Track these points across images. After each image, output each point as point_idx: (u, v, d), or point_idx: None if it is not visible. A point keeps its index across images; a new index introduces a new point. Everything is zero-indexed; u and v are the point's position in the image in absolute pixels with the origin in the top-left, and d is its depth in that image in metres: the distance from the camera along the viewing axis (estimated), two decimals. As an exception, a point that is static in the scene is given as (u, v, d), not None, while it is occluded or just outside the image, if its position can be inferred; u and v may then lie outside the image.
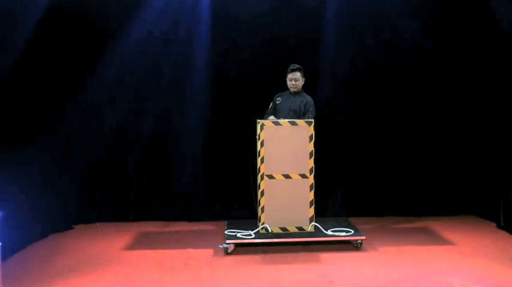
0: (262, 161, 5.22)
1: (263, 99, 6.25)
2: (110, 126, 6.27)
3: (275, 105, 5.72)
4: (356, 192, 5.85)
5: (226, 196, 6.37)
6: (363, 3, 6.22)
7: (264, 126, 5.20)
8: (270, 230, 5.21)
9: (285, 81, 5.69)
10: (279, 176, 5.22)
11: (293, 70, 5.64)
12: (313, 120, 5.34)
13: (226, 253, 5.05)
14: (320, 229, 5.25)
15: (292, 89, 5.67)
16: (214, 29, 6.25)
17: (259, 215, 5.31)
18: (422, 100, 6.45)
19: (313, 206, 5.25)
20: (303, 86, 5.67)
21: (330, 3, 6.24)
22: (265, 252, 5.11)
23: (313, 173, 5.24)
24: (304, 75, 5.65)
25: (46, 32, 5.57)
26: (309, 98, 5.66)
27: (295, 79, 5.63)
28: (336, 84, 6.37)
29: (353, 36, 6.33)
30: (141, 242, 5.51)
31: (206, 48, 6.27)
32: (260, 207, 5.25)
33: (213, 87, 6.33)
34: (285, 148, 5.21)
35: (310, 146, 5.23)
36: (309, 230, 5.24)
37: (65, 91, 5.97)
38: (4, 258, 4.27)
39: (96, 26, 6.05)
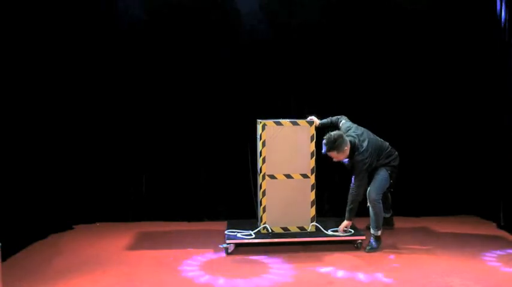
0: (263, 161, 5.22)
1: (263, 99, 6.30)
2: (112, 126, 6.27)
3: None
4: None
5: (226, 196, 6.36)
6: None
7: (266, 127, 5.20)
8: (270, 230, 5.21)
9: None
10: (280, 176, 5.23)
11: (326, 151, 5.07)
12: (314, 120, 5.33)
13: (227, 253, 5.05)
14: (320, 229, 5.25)
15: None
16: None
17: (260, 215, 5.31)
18: (422, 99, 6.44)
19: (315, 206, 5.26)
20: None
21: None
22: (265, 252, 5.10)
23: (314, 173, 5.24)
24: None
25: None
26: (355, 160, 5.11)
27: (335, 158, 5.15)
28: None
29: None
30: (141, 242, 5.51)
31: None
32: (261, 207, 5.25)
33: (212, 86, 6.34)
34: (287, 147, 5.21)
35: (312, 146, 5.24)
36: (309, 230, 5.24)
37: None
38: (4, 258, 4.27)
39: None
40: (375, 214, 5.16)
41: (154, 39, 6.22)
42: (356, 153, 5.10)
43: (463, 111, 6.48)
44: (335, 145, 5.01)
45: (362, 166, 5.08)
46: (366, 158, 5.09)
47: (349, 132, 5.20)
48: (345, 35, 6.34)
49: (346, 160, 5.22)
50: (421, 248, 5.24)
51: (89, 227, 6.12)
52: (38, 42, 5.58)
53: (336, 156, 5.10)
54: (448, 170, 6.52)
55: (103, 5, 6.12)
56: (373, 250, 5.15)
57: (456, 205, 6.55)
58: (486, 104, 6.27)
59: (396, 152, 5.35)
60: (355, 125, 5.30)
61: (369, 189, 5.20)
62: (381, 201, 5.20)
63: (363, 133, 5.22)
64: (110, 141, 6.28)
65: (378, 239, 5.22)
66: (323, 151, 5.10)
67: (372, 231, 5.21)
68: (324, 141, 5.05)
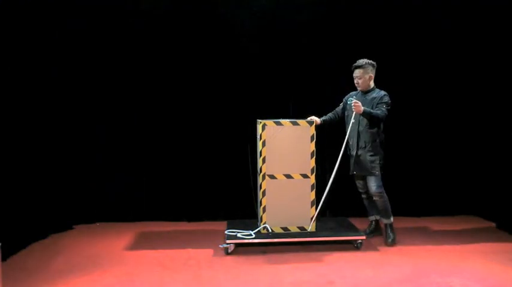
0: (263, 161, 5.22)
1: (263, 99, 6.30)
2: (112, 125, 6.27)
3: (345, 105, 5.43)
4: (356, 192, 5.84)
5: (226, 196, 6.36)
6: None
7: (266, 127, 5.20)
8: (270, 230, 5.21)
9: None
10: (280, 176, 5.22)
11: (355, 68, 5.26)
12: (314, 120, 5.33)
13: (227, 253, 5.05)
14: (320, 229, 5.25)
15: (358, 88, 5.34)
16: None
17: (260, 215, 5.31)
18: (422, 99, 6.45)
19: (315, 206, 5.26)
20: (377, 81, 5.24)
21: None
22: (264, 252, 5.11)
23: (314, 173, 5.25)
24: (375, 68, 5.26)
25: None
26: (382, 93, 5.21)
27: (357, 77, 5.26)
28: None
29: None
30: (141, 242, 5.51)
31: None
32: (261, 207, 5.25)
33: (212, 86, 6.34)
34: (287, 147, 5.21)
35: (312, 146, 5.24)
36: (309, 230, 5.24)
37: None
38: (4, 258, 4.27)
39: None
40: (383, 203, 5.28)
41: (153, 39, 6.22)
42: (378, 90, 5.27)
43: (463, 112, 6.48)
44: (364, 64, 5.22)
45: (388, 99, 5.19)
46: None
47: None
48: (346, 34, 6.34)
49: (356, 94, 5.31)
50: (421, 248, 5.24)
51: (89, 227, 6.12)
52: (35, 38, 5.56)
53: (359, 75, 5.23)
54: (449, 170, 6.52)
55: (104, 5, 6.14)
56: (393, 241, 5.27)
57: (456, 205, 6.55)
58: (486, 104, 6.28)
59: None
60: None
61: (368, 184, 5.30)
62: (384, 190, 5.27)
63: None
64: (110, 141, 6.28)
65: (392, 227, 5.36)
66: (354, 65, 5.25)
67: (385, 221, 5.36)
68: (357, 62, 5.26)
